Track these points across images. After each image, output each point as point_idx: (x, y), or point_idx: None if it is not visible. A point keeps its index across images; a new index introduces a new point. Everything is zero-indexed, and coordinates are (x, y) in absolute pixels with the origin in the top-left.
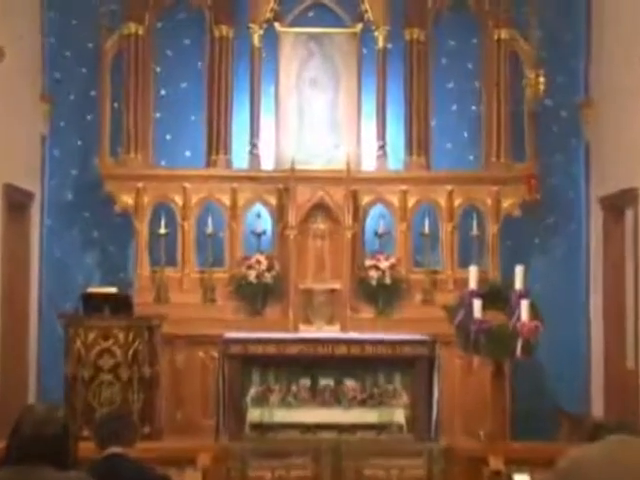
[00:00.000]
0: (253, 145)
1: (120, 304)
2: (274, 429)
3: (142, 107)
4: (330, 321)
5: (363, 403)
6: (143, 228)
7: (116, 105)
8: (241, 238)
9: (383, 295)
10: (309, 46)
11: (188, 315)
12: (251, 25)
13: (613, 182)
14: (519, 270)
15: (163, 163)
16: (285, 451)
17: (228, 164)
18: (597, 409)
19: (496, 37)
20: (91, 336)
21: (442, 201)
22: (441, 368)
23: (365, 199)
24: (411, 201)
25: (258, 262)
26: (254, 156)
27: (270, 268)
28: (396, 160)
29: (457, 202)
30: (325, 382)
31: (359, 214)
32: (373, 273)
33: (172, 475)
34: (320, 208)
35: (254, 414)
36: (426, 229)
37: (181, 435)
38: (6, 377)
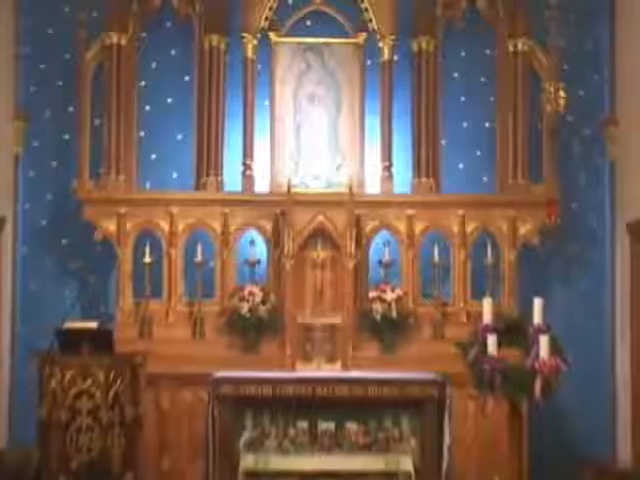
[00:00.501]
0: (246, 166)
1: (100, 340)
2: (270, 477)
3: (125, 124)
4: (330, 359)
5: (367, 449)
6: (126, 257)
7: (96, 122)
8: (233, 267)
9: (388, 330)
10: (307, 58)
11: (175, 352)
12: (244, 35)
13: None
14: (538, 303)
15: (148, 186)
16: None
17: (219, 186)
18: (623, 456)
19: (512, 48)
20: (68, 376)
21: (453, 227)
22: (452, 410)
23: (369, 225)
24: (419, 227)
25: (252, 294)
26: (247, 178)
27: (265, 300)
28: (403, 182)
29: (470, 228)
30: (325, 426)
31: (362, 241)
32: (378, 306)
33: None
34: (320, 235)
35: (247, 461)
36: (436, 258)
37: None
38: None
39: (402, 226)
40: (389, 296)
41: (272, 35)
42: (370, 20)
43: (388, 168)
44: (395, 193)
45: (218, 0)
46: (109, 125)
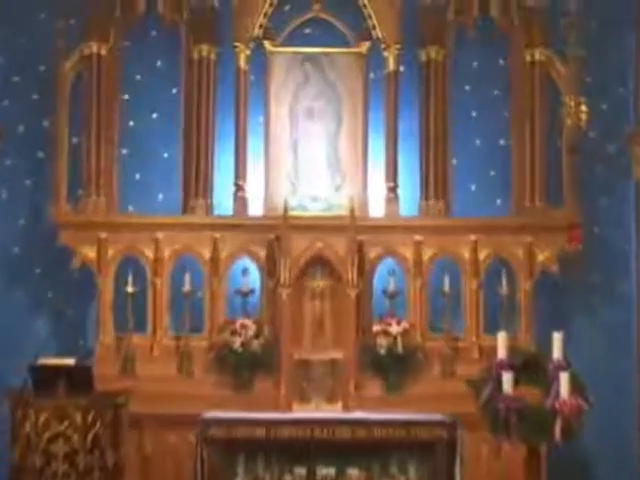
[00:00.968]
0: (238, 187)
1: (78, 378)
2: None
3: (106, 141)
4: (330, 398)
5: None
6: (106, 286)
7: (75, 139)
8: (224, 298)
9: (394, 367)
10: (305, 69)
11: (160, 390)
12: (236, 44)
13: None
14: (557, 337)
15: (131, 209)
16: None
17: (209, 210)
18: None
19: (528, 57)
20: (42, 417)
21: (464, 254)
22: (464, 454)
23: (372, 251)
24: (427, 254)
25: (244, 327)
26: (240, 200)
27: (258, 334)
28: (409, 205)
29: (483, 255)
30: (324, 472)
31: (365, 269)
32: (382, 340)
33: None
34: (319, 262)
35: None
36: (445, 287)
37: None
38: None
39: (409, 253)
40: (394, 329)
41: (267, 44)
42: (374, 28)
43: (393, 189)
44: (401, 217)
45: (208, 6)
46: (88, 142)
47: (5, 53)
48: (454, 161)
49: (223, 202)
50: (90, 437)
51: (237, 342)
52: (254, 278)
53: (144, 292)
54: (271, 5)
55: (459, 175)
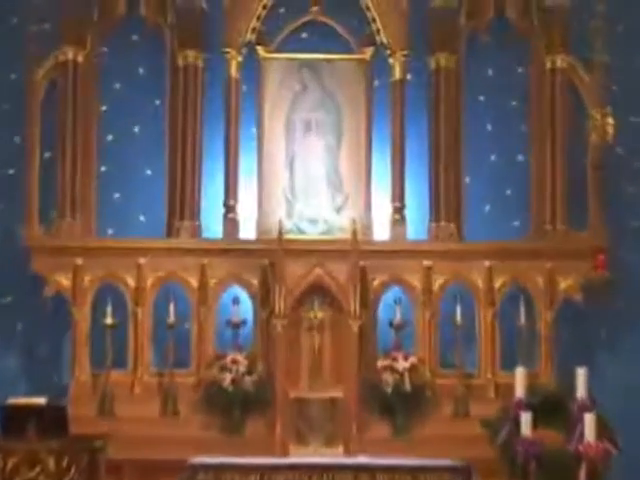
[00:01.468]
0: (229, 208)
1: (51, 419)
2: None
3: (82, 157)
4: (330, 441)
5: None
6: (83, 317)
7: (47, 155)
8: (212, 330)
9: (401, 406)
10: (303, 77)
11: (141, 433)
12: (226, 50)
13: None
14: (581, 373)
15: (110, 232)
16: None
17: (196, 233)
18: None
19: (549, 64)
20: (11, 463)
21: (478, 281)
22: None
23: (377, 279)
24: (437, 281)
25: (235, 362)
26: (230, 222)
27: (251, 370)
28: (418, 228)
29: (498, 282)
30: None
31: (369, 298)
32: (388, 377)
33: None
34: (317, 291)
35: None
36: (458, 318)
37: None
38: None
39: (417, 280)
40: (401, 365)
41: (260, 50)
42: (378, 32)
43: (400, 210)
44: (408, 240)
45: (195, 8)
46: (63, 158)
47: None
48: (467, 179)
49: (212, 224)
50: None
51: (227, 379)
52: (246, 308)
53: (124, 324)
54: (265, 7)
55: (472, 195)
